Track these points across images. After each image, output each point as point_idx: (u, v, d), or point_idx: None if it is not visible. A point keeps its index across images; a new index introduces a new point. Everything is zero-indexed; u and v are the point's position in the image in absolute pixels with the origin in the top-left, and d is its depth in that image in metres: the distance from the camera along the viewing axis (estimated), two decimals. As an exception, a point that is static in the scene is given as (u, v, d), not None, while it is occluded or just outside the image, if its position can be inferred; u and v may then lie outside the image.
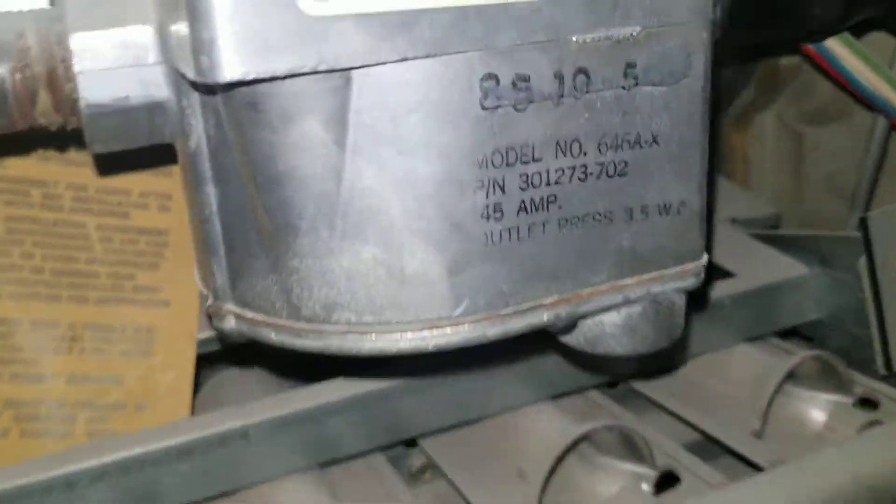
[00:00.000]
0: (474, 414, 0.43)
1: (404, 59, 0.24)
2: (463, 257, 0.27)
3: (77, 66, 0.27)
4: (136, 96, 0.27)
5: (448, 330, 0.27)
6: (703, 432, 0.47)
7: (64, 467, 0.35)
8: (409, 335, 0.27)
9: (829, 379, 0.48)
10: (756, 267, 0.53)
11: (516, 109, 0.26)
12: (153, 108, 0.28)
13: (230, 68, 0.22)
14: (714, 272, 0.52)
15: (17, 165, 0.43)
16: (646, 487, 0.41)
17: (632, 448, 0.41)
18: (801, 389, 0.49)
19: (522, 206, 0.27)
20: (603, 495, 0.41)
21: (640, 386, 0.50)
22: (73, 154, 0.44)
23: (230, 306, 0.29)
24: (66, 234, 0.45)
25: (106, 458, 0.36)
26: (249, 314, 0.29)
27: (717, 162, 0.66)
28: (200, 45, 0.23)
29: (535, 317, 0.29)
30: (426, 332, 0.27)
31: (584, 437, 0.41)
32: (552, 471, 0.39)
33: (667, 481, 0.41)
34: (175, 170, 0.45)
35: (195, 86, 0.26)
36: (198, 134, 0.28)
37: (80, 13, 0.27)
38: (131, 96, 0.27)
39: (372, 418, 0.41)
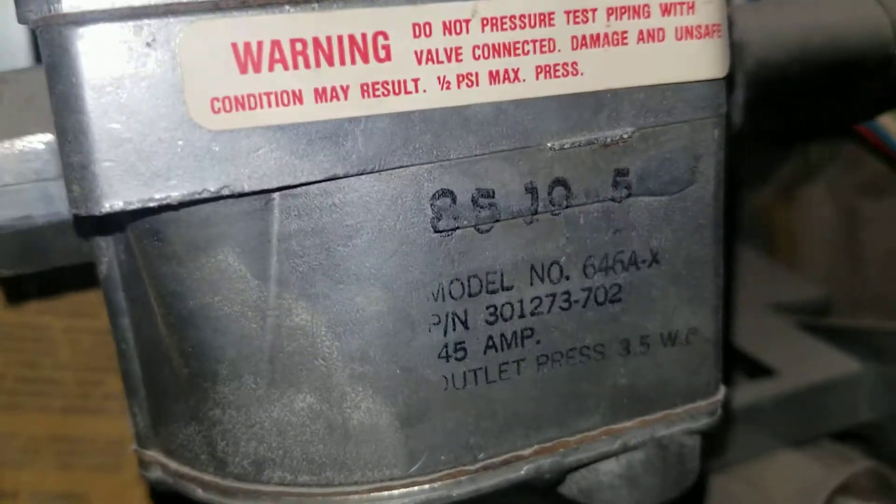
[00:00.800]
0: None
1: (334, 178, 0.20)
2: (418, 406, 0.22)
3: None
4: (39, 215, 0.23)
5: (401, 491, 0.23)
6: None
7: None
8: (355, 497, 0.23)
9: (884, 491, 0.42)
10: (801, 362, 0.47)
11: (479, 231, 0.22)
12: (60, 228, 0.24)
13: (108, 199, 0.18)
14: (753, 369, 0.47)
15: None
16: None
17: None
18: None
19: (491, 343, 0.23)
20: None
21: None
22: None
23: (154, 454, 0.25)
24: (31, 336, 0.41)
25: None
26: (174, 465, 0.24)
27: (756, 237, 0.61)
28: (70, 171, 0.18)
29: (511, 471, 0.24)
30: (374, 495, 0.23)
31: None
32: None
33: None
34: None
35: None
36: (109, 258, 0.24)
37: None
38: (34, 215, 0.23)
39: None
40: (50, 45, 0.18)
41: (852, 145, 0.55)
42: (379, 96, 0.20)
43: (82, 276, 0.38)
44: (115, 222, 0.23)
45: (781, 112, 0.34)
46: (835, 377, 0.46)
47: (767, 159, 0.59)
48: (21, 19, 0.19)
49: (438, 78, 0.20)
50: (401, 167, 0.21)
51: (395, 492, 0.23)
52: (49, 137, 0.23)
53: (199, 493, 0.24)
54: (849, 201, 0.60)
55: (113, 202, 0.18)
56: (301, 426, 0.22)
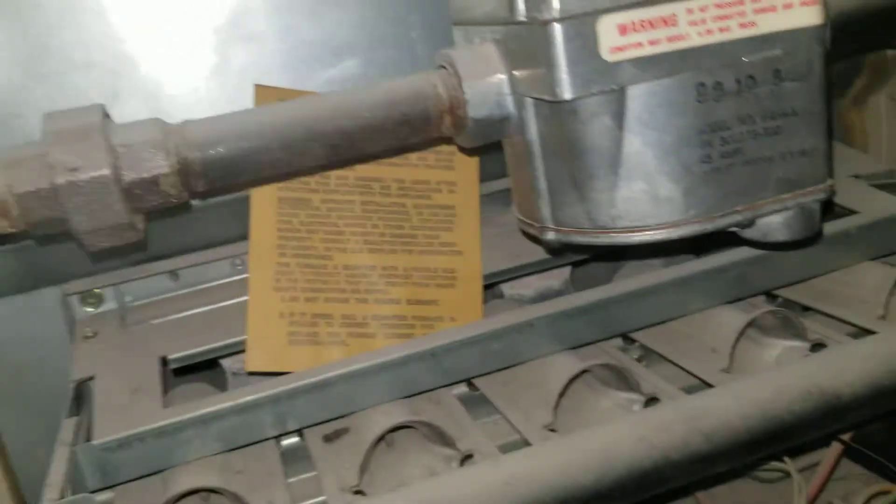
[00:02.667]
0: (675, 314, 0.64)
1: (656, 78, 0.47)
2: (691, 185, 0.49)
3: (469, 98, 0.50)
4: (497, 114, 0.51)
5: (684, 227, 0.49)
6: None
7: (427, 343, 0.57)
8: (662, 231, 0.49)
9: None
10: (876, 206, 0.69)
11: (716, 101, 0.48)
12: (504, 119, 0.51)
13: (568, 93, 0.45)
14: (841, 212, 0.69)
15: (362, 169, 0.67)
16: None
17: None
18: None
19: (722, 154, 0.49)
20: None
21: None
22: (394, 160, 0.68)
23: (551, 226, 0.52)
24: (396, 210, 0.68)
25: (442, 341, 0.56)
26: (564, 229, 0.51)
27: (839, 134, 0.86)
28: (554, 82, 0.45)
29: (731, 218, 0.50)
30: (672, 229, 0.49)
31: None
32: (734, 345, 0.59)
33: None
34: (456, 165, 0.68)
35: (540, 103, 0.49)
36: (531, 130, 0.51)
37: (467, 70, 0.50)
38: (494, 114, 0.51)
39: (605, 318, 0.62)
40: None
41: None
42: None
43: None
44: (541, 111, 0.50)
45: (852, 40, 0.59)
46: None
47: (843, 75, 0.83)
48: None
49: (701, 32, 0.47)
50: (682, 73, 0.47)
51: (681, 227, 0.49)
52: (501, 76, 0.50)
53: (579, 239, 0.51)
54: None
55: (570, 94, 0.45)
56: (636, 198, 0.49)
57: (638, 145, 0.48)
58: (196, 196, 0.51)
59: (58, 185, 0.45)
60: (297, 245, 0.65)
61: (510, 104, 0.51)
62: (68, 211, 0.45)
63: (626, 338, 0.65)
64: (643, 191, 0.48)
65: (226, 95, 0.72)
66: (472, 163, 0.69)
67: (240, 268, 0.69)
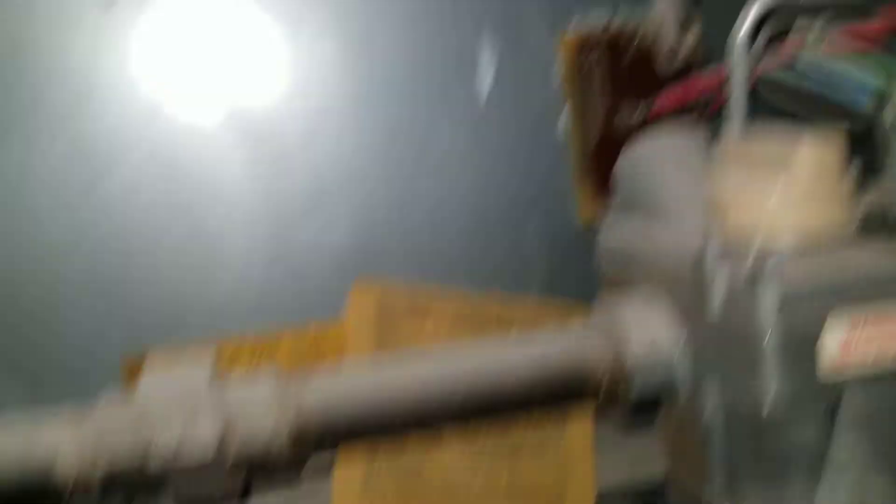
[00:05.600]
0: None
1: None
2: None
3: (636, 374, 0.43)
4: (665, 390, 0.43)
5: None
6: None
7: None
8: None
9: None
10: None
11: None
12: (671, 393, 0.43)
13: (776, 411, 0.38)
14: None
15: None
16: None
17: None
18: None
19: None
20: None
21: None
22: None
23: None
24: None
25: None
26: None
27: None
28: (758, 396, 0.38)
29: None
30: None
31: None
32: None
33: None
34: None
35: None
36: (709, 411, 0.42)
37: (637, 339, 0.43)
38: (663, 391, 0.43)
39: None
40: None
41: None
42: None
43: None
44: None
45: None
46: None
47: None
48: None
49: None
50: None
51: None
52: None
53: None
54: None
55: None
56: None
57: (845, 447, 0.40)
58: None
59: (156, 459, 0.37)
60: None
61: (684, 380, 0.43)
62: (167, 486, 0.38)
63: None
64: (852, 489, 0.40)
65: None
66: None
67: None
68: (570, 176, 0.69)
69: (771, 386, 0.37)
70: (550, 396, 0.44)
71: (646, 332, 0.43)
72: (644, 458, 0.62)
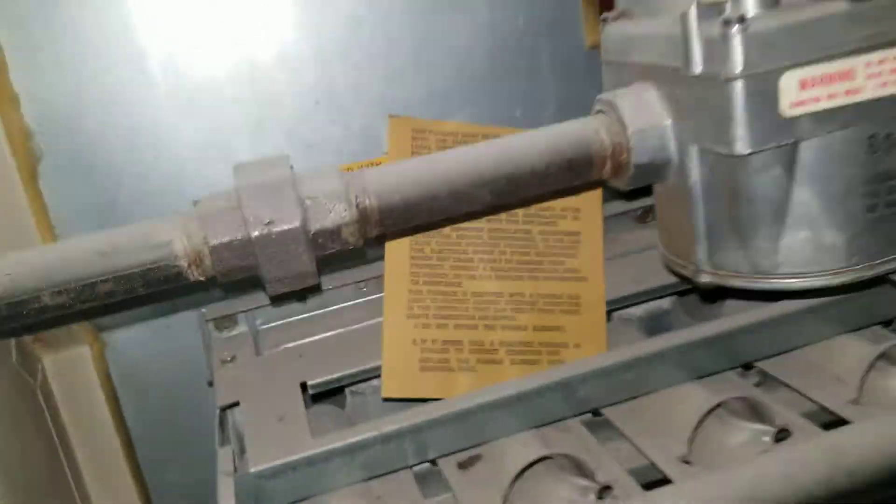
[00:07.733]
0: (801, 343, 0.64)
1: (830, 132, 0.47)
2: (855, 234, 0.49)
3: (633, 145, 0.51)
4: (659, 159, 0.51)
5: (845, 274, 0.50)
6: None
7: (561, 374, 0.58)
8: (823, 278, 0.50)
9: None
10: None
11: (885, 152, 0.48)
12: (664, 164, 0.52)
13: (745, 148, 0.46)
14: None
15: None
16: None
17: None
18: None
19: (887, 203, 0.49)
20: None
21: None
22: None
23: (707, 269, 0.53)
24: (522, 237, 0.69)
25: (575, 371, 0.57)
26: (721, 273, 0.52)
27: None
28: (731, 137, 0.46)
29: (892, 265, 0.51)
30: (833, 276, 0.50)
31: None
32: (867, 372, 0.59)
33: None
34: (580, 191, 0.69)
35: (706, 151, 0.49)
36: (693, 176, 0.51)
37: (631, 117, 0.51)
38: (656, 160, 0.51)
39: (732, 348, 0.62)
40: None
41: None
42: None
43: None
44: (707, 158, 0.50)
45: None
46: None
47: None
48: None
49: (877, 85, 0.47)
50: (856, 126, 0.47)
51: (841, 274, 0.50)
52: (665, 122, 0.51)
53: (737, 282, 0.51)
54: None
55: (746, 149, 0.46)
56: (799, 247, 0.49)
57: (806, 196, 0.48)
58: (369, 241, 0.52)
59: (252, 238, 0.46)
60: (428, 272, 0.66)
61: (673, 150, 0.51)
62: (259, 261, 0.46)
63: (746, 365, 0.66)
64: (807, 239, 0.49)
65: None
66: (596, 190, 0.69)
67: (364, 290, 0.70)
68: (578, 3, 0.75)
69: (740, 123, 0.46)
70: (569, 172, 0.52)
71: (640, 111, 0.52)
72: (645, 274, 0.70)
